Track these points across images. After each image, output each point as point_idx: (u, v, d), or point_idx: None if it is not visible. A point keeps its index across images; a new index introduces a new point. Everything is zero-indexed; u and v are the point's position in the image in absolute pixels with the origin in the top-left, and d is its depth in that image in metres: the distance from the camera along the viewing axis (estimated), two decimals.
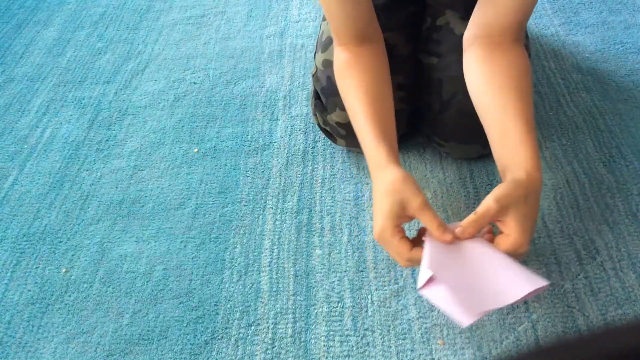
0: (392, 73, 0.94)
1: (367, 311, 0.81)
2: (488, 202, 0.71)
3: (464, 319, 0.67)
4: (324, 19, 1.05)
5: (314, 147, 1.07)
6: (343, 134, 0.99)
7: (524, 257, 0.77)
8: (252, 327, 0.81)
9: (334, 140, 1.03)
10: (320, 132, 1.09)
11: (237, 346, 0.79)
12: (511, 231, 0.71)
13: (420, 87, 0.99)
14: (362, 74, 0.88)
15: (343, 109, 0.95)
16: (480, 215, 0.71)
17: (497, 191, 0.71)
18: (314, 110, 1.02)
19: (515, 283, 0.68)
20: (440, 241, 0.72)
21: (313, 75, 1.02)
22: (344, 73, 0.89)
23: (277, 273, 0.87)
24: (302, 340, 0.79)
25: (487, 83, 0.82)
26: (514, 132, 0.77)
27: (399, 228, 0.74)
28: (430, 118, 0.97)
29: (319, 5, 1.48)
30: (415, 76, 0.99)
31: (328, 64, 0.97)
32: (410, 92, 0.98)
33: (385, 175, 0.77)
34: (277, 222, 0.95)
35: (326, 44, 0.99)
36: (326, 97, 0.98)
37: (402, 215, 0.74)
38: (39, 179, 1.07)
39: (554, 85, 1.15)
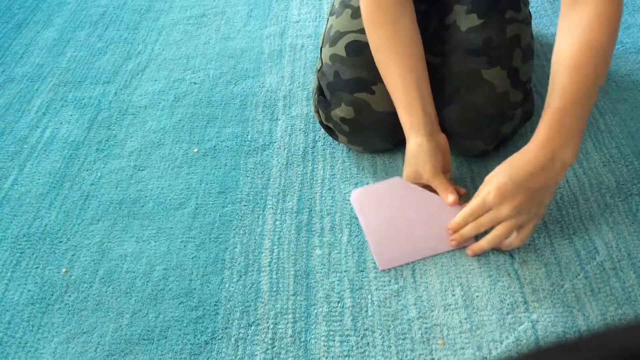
0: None
1: (367, 311, 0.81)
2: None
3: (381, 263, 0.86)
4: (331, 14, 1.05)
5: (314, 147, 1.07)
6: (346, 131, 0.99)
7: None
8: (252, 327, 0.81)
9: (336, 137, 1.03)
10: (321, 132, 1.09)
11: (237, 346, 0.79)
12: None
13: None
14: (393, 25, 0.91)
15: (348, 104, 0.96)
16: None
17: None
18: (316, 107, 1.02)
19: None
20: (447, 203, 0.87)
21: (318, 71, 1.02)
22: (376, 21, 0.92)
23: (277, 273, 0.87)
24: (302, 340, 0.79)
25: (556, 45, 0.82)
26: (546, 104, 0.81)
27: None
28: None
29: (318, 5, 1.48)
30: None
31: (336, 58, 0.97)
32: None
33: (407, 143, 0.91)
34: (277, 222, 0.95)
35: (334, 39, 0.99)
36: (331, 92, 0.98)
37: (418, 181, 0.90)
38: (39, 179, 1.07)
39: None
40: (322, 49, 1.02)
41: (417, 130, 0.90)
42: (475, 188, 0.96)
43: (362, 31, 0.97)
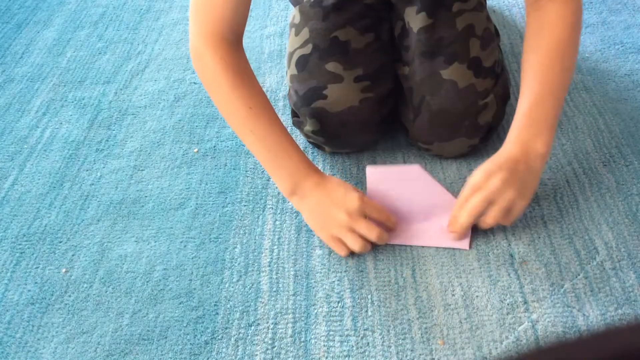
0: (350, 67, 0.95)
1: (367, 311, 0.81)
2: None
3: None
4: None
5: (313, 147, 1.07)
6: (322, 141, 1.00)
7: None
8: (252, 327, 0.81)
9: (323, 149, 1.04)
10: None
11: (237, 346, 0.79)
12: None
13: (396, 94, 1.01)
14: (252, 88, 0.87)
15: (310, 116, 0.97)
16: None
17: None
18: (296, 127, 1.04)
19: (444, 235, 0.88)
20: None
21: (288, 95, 1.03)
22: (235, 87, 0.86)
23: (277, 273, 0.87)
24: (302, 340, 0.79)
25: (524, 47, 0.89)
26: (519, 103, 0.87)
27: None
28: (410, 126, 0.99)
29: None
30: (376, 64, 0.99)
31: (292, 78, 0.99)
32: (373, 80, 0.98)
33: (304, 195, 0.87)
34: (277, 222, 0.95)
35: (288, 60, 1.01)
36: (298, 111, 1.00)
37: (352, 221, 0.86)
38: (39, 179, 1.07)
39: None
40: (287, 73, 1.03)
41: (312, 171, 0.88)
42: None
43: (304, 44, 0.98)
